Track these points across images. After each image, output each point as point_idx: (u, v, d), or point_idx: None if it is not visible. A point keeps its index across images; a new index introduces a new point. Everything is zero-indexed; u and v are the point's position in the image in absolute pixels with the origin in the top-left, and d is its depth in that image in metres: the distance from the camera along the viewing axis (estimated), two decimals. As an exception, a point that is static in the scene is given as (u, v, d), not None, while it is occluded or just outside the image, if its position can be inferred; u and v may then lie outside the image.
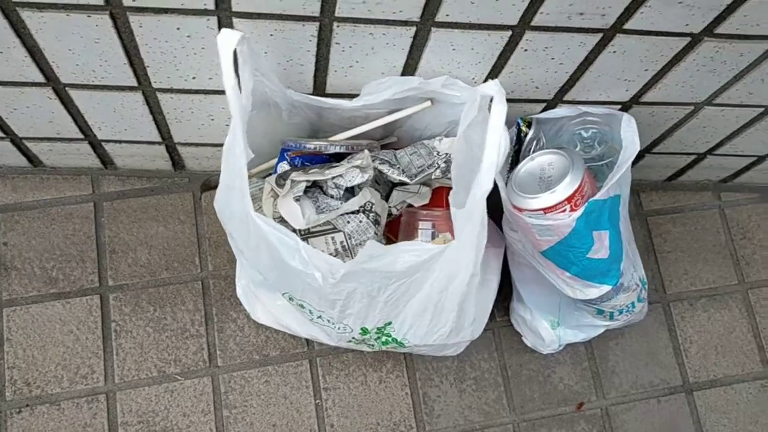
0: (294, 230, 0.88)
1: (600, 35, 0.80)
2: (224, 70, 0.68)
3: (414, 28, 0.77)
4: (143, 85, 0.87)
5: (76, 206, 1.13)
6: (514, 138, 0.95)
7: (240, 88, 0.77)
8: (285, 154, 0.93)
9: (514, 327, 1.16)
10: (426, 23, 0.76)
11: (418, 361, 1.14)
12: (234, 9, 0.73)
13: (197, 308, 1.12)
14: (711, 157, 1.16)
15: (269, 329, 1.12)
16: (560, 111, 0.97)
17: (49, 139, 1.02)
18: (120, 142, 1.03)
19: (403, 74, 0.87)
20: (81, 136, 1.01)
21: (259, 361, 1.11)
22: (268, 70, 0.79)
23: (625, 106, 0.98)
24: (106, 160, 1.11)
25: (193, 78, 0.85)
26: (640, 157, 1.16)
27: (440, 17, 0.75)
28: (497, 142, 0.68)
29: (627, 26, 0.78)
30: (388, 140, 1.02)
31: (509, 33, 0.78)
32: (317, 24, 0.76)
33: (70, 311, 1.09)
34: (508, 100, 0.93)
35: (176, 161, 1.11)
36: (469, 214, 0.74)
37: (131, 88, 0.88)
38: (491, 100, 0.76)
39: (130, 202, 1.15)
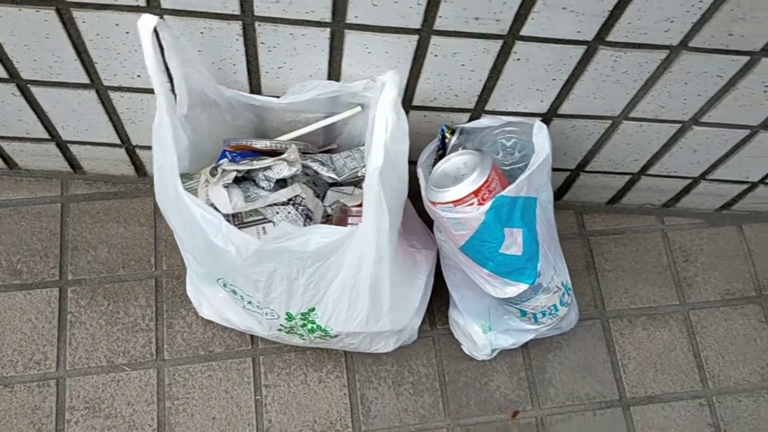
0: (227, 218, 0.96)
1: (501, 41, 0.87)
2: (145, 51, 0.77)
3: (328, 29, 0.86)
4: (95, 83, 0.97)
5: (45, 206, 1.22)
6: (439, 144, 1.02)
7: (171, 76, 0.86)
8: (226, 152, 1.02)
9: (453, 335, 1.21)
10: (338, 25, 0.85)
11: (357, 363, 1.19)
12: (162, 6, 0.82)
13: (149, 304, 1.18)
14: (645, 177, 1.22)
15: (216, 327, 1.18)
16: (484, 121, 1.04)
17: (19, 139, 1.12)
18: (84, 143, 1.13)
19: (329, 78, 0.95)
20: (47, 136, 1.10)
21: (204, 357, 1.17)
22: (198, 62, 0.88)
23: (546, 119, 1.05)
24: (74, 164, 1.20)
25: (138, 76, 0.95)
26: (575, 176, 1.22)
27: (350, 19, 0.84)
28: (384, 120, 0.75)
29: (523, 33, 0.86)
30: (329, 147, 1.10)
31: (416, 37, 0.87)
32: (240, 23, 0.85)
33: (30, 301, 1.17)
34: (434, 109, 1.02)
35: (138, 166, 1.20)
36: (366, 192, 0.81)
37: (85, 86, 0.97)
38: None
39: (95, 205, 1.23)
